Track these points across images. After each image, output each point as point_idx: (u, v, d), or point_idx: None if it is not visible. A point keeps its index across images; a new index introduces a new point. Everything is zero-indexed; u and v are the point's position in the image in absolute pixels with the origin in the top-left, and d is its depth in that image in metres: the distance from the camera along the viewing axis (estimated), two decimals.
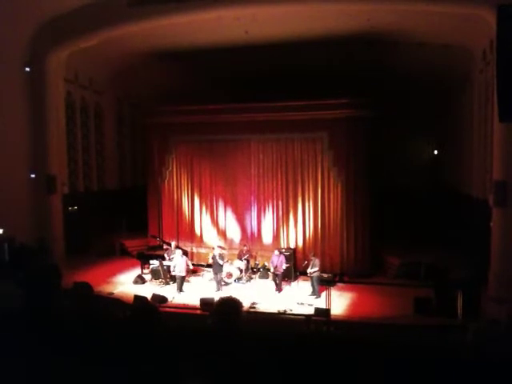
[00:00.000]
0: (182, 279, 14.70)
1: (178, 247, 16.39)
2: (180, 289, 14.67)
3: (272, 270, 15.07)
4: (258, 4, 14.97)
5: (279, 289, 14.76)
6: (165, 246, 17.38)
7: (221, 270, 14.96)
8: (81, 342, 3.14)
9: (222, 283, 15.04)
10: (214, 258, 15.04)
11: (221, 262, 14.92)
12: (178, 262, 14.81)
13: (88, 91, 20.26)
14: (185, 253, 15.76)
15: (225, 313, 3.17)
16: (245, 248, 16.68)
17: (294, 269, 16.08)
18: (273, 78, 18.31)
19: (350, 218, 16.56)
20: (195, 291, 14.55)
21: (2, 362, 3.02)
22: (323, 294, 13.35)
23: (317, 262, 14.33)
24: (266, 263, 16.13)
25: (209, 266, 16.29)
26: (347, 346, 4.20)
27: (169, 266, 15.66)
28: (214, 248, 15.82)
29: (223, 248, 17.41)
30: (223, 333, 3.09)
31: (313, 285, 14.15)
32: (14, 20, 15.25)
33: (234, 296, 3.40)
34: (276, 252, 15.12)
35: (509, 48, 8.23)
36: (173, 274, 15.10)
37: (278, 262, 14.77)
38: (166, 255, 16.14)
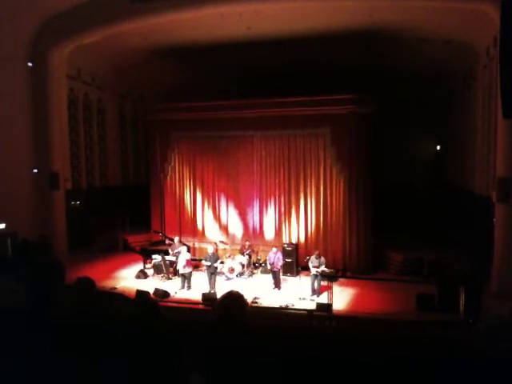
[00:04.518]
0: (184, 276, 14.62)
1: (181, 242, 16.39)
2: (184, 286, 14.55)
3: (269, 267, 15.05)
4: (261, 0, 14.94)
5: (278, 286, 14.71)
6: (168, 241, 17.43)
7: (215, 269, 14.62)
8: (82, 338, 3.15)
9: (215, 285, 14.41)
10: (207, 259, 14.59)
11: (214, 264, 14.50)
12: (180, 259, 14.81)
13: (91, 87, 20.30)
14: (187, 248, 15.82)
15: (229, 307, 3.17)
16: (247, 243, 16.71)
17: (297, 264, 16.10)
18: (275, 74, 18.28)
19: (353, 214, 16.54)
20: (197, 286, 14.58)
21: (3, 356, 3.04)
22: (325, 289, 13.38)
23: (323, 260, 14.28)
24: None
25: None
26: (349, 342, 4.20)
27: (171, 261, 15.73)
28: (208, 249, 15.36)
29: (225, 243, 17.49)
30: (227, 327, 3.09)
31: (313, 284, 14.06)
32: (16, 16, 15.25)
33: (237, 291, 3.40)
34: (273, 249, 15.11)
35: None
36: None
37: (275, 259, 14.73)
38: (169, 250, 16.20)
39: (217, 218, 18.58)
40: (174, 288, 14.51)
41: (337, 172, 16.74)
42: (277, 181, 17.68)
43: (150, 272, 16.17)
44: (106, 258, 18.00)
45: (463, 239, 16.00)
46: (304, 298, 13.53)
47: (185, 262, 14.57)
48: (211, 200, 18.65)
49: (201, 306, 12.55)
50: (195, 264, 16.00)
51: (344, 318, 11.50)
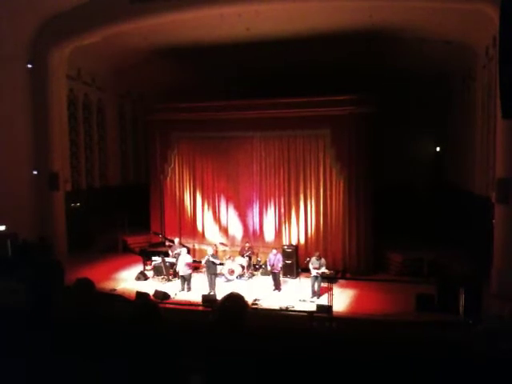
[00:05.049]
0: (184, 278, 14.60)
1: (181, 244, 16.38)
2: (184, 288, 14.55)
3: (269, 268, 15.05)
4: (261, 0, 14.94)
5: (278, 288, 14.70)
6: (167, 243, 17.41)
7: (215, 271, 14.68)
8: (82, 338, 3.15)
9: (215, 285, 14.51)
10: (207, 260, 14.59)
11: (217, 261, 14.67)
12: (180, 261, 14.79)
13: (91, 88, 20.29)
14: (187, 250, 15.80)
15: (230, 309, 3.17)
16: (247, 245, 16.69)
17: (297, 266, 16.08)
18: (275, 75, 18.28)
19: (352, 215, 16.52)
20: (197, 288, 14.57)
21: (3, 356, 3.04)
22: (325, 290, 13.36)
23: (323, 261, 14.26)
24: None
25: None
26: (349, 343, 4.20)
27: (171, 263, 15.72)
28: (207, 250, 15.48)
29: (225, 245, 17.47)
30: (228, 329, 3.09)
31: (313, 285, 13.99)
32: (16, 16, 15.27)
33: (238, 292, 3.39)
34: (273, 251, 15.09)
35: (511, 43, 8.20)
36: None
37: (275, 261, 14.72)
38: (169, 252, 16.19)
39: (217, 219, 18.55)
40: (174, 290, 14.51)
41: (336, 173, 16.72)
42: (276, 182, 17.66)
43: (149, 274, 16.15)
44: (106, 259, 17.98)
45: (463, 239, 15.98)
46: (304, 300, 13.51)
47: (185, 264, 14.56)
48: (211, 201, 18.63)
49: (201, 308, 12.54)
50: (195, 266, 15.97)
51: (344, 320, 11.49)
